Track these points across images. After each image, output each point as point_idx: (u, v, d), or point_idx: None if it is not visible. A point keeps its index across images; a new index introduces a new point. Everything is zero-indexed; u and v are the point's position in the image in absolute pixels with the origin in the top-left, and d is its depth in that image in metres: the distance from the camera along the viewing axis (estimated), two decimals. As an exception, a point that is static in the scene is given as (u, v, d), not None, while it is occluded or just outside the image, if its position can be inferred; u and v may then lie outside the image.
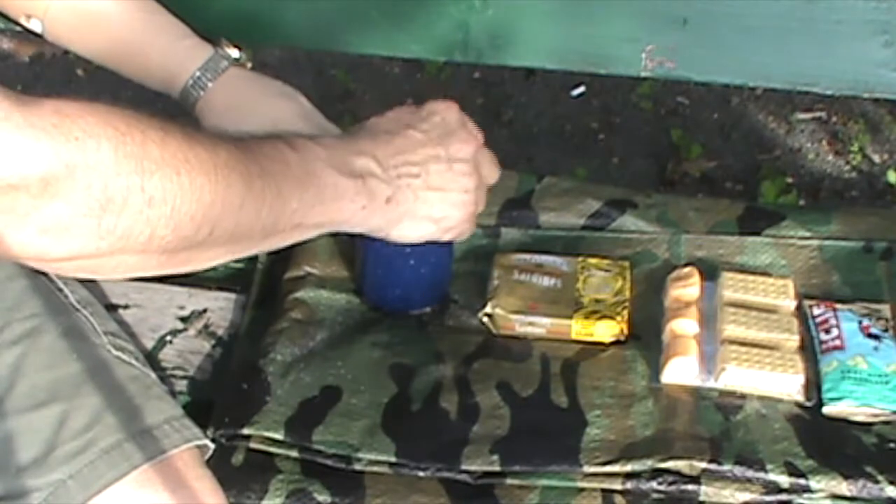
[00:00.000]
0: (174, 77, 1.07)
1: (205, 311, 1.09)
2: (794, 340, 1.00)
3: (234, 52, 1.09)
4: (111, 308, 1.06)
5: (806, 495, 0.91)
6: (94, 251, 0.72)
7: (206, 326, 1.08)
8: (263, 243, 0.85)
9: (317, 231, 0.90)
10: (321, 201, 0.86)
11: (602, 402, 0.97)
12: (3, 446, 0.87)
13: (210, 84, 1.06)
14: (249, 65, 1.10)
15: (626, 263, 1.08)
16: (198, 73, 1.06)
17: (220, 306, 1.10)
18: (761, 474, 0.91)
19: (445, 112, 0.97)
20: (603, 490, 0.92)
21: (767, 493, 0.91)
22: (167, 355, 1.05)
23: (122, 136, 0.71)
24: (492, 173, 0.99)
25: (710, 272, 1.06)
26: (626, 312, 1.03)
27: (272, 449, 0.95)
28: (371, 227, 0.94)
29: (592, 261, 1.08)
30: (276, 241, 0.86)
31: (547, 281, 1.06)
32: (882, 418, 0.96)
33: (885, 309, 1.04)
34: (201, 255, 0.80)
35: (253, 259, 1.09)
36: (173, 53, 1.08)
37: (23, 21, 1.09)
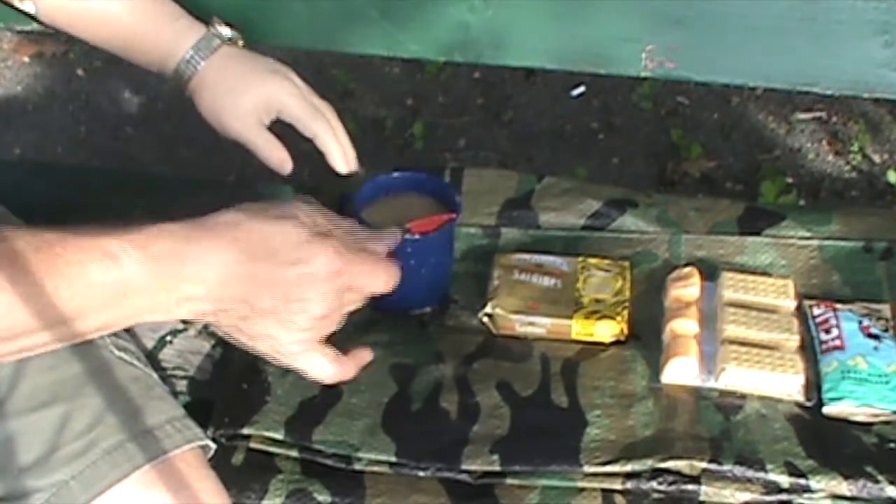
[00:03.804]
0: (167, 57, 1.07)
1: (205, 311, 1.09)
2: (794, 340, 1.00)
3: (227, 31, 1.09)
4: (112, 308, 1.06)
5: (806, 495, 0.91)
6: None
7: (206, 326, 1.08)
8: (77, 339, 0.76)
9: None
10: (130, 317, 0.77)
11: (602, 402, 0.97)
12: (5, 447, 0.87)
13: (203, 63, 1.07)
14: (241, 43, 1.10)
15: (626, 263, 1.08)
16: (190, 52, 1.07)
17: (220, 306, 1.10)
18: (761, 474, 0.91)
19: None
20: (603, 490, 0.92)
21: (767, 493, 0.91)
22: (167, 355, 1.05)
23: None
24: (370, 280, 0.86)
25: (710, 272, 1.07)
26: (626, 312, 1.04)
27: (272, 449, 0.95)
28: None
29: (592, 261, 1.08)
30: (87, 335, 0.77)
31: (547, 281, 1.06)
32: (882, 418, 0.96)
33: (885, 309, 1.04)
34: (7, 350, 0.74)
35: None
36: (166, 33, 1.08)
37: (16, 3, 1.09)
